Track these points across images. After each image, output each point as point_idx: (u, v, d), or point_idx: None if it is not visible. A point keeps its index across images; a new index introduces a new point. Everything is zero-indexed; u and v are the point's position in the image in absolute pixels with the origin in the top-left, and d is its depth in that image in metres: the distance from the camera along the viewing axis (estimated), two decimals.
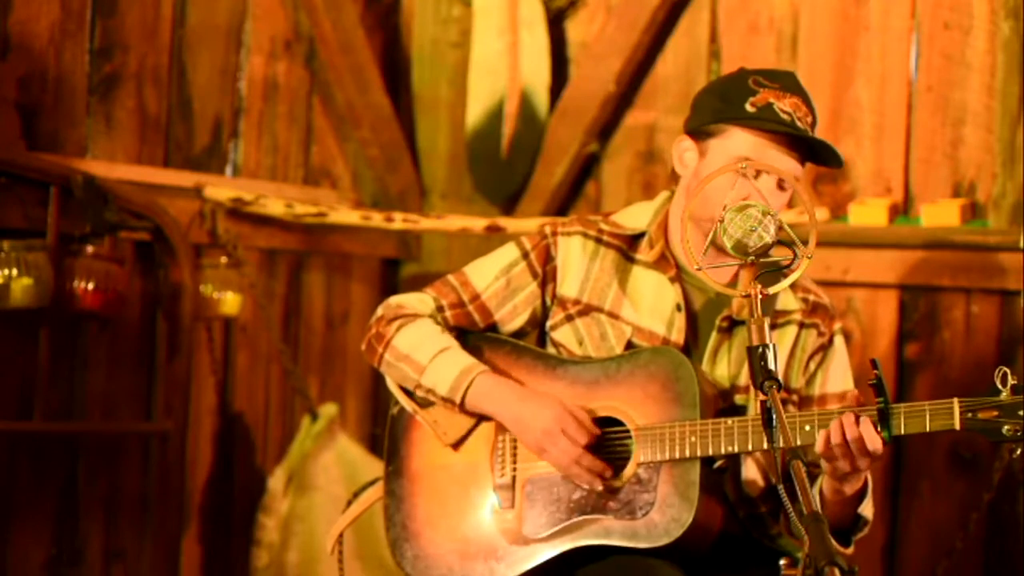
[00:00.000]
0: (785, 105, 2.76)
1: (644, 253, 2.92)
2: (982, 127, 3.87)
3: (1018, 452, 2.55)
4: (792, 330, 2.89)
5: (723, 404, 2.83)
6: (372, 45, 4.58)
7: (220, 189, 4.12)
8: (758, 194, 2.64)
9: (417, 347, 2.90)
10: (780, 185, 2.76)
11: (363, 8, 4.59)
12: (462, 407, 2.87)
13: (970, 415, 2.54)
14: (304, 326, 4.48)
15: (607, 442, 2.82)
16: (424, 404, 2.94)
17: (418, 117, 4.76)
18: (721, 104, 2.80)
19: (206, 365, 4.17)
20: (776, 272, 2.45)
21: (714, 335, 2.86)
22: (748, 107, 2.75)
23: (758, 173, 2.73)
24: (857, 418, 2.56)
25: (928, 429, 2.57)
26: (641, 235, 2.94)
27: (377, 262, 4.67)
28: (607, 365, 2.85)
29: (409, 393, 2.96)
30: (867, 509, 2.76)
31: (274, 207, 4.18)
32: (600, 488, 2.78)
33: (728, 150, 2.76)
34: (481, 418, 2.90)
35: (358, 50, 4.48)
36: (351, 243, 4.52)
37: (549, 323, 2.97)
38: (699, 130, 2.83)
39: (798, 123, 2.75)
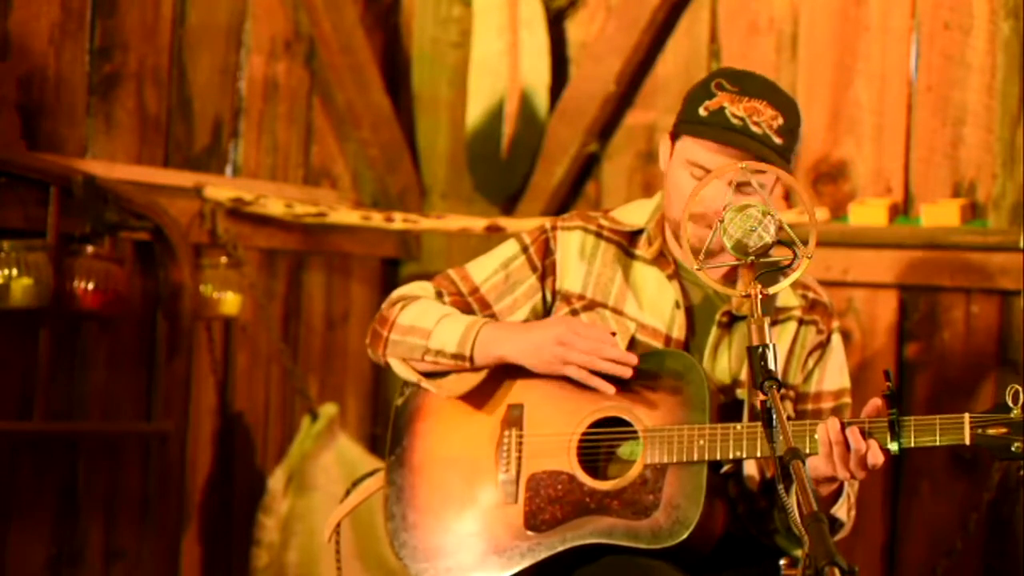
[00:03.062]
0: (738, 109, 2.78)
1: (643, 249, 2.95)
2: (982, 127, 3.87)
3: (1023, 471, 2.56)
4: (792, 326, 2.91)
5: (724, 399, 2.84)
6: (372, 45, 4.58)
7: (220, 189, 4.12)
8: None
9: (420, 317, 2.92)
10: (740, 188, 2.70)
11: (363, 8, 4.59)
12: (472, 361, 2.87)
13: (980, 431, 2.56)
14: (304, 326, 4.48)
15: (614, 442, 2.83)
16: (431, 376, 2.95)
17: (418, 117, 4.76)
18: (683, 107, 2.86)
19: (206, 365, 4.17)
20: (775, 271, 2.45)
21: (714, 330, 2.87)
22: (701, 111, 2.80)
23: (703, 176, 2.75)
24: (863, 432, 2.57)
25: (938, 443, 2.58)
26: (640, 232, 2.97)
27: (377, 262, 4.67)
28: None
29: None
30: (841, 511, 2.77)
31: (274, 207, 4.18)
32: (634, 365, 2.78)
33: (683, 152, 2.82)
34: (487, 379, 2.90)
35: (358, 50, 4.48)
36: (351, 243, 4.52)
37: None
38: (673, 130, 2.89)
39: (752, 127, 2.76)
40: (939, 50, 3.94)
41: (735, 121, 2.76)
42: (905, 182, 3.99)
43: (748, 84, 2.81)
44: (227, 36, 4.25)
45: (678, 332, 2.88)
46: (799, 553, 2.82)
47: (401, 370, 2.97)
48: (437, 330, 2.89)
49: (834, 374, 2.94)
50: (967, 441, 2.57)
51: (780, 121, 2.78)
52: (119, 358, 3.99)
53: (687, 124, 2.82)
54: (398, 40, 4.74)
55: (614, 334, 2.84)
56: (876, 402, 2.60)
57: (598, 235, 2.96)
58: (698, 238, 2.74)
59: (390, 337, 2.95)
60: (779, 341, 2.85)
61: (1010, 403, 2.55)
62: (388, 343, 2.96)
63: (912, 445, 2.59)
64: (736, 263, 2.49)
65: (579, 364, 2.80)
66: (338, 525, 3.07)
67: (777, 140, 2.77)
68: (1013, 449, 2.54)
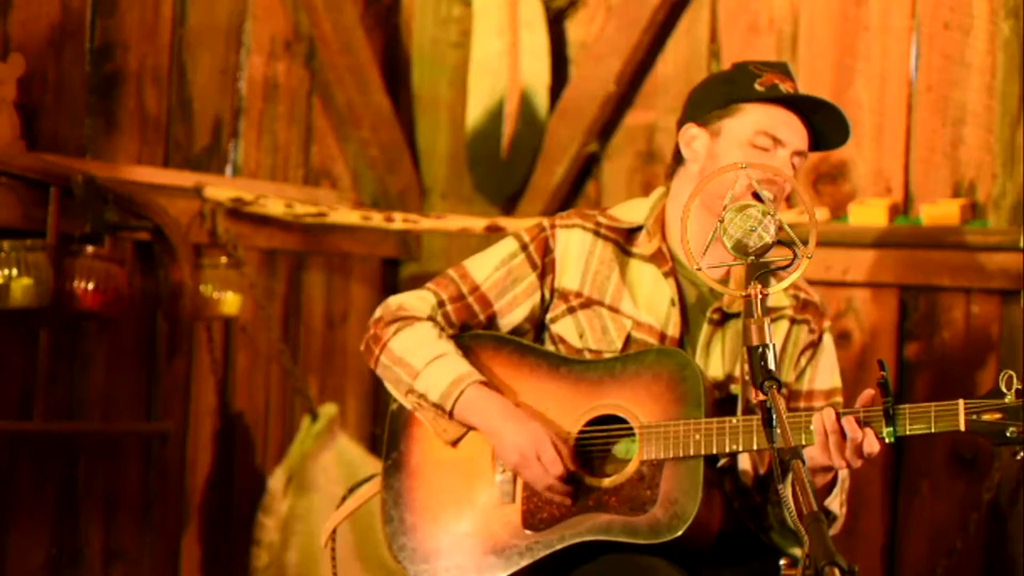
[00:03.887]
0: (789, 87, 2.87)
1: (641, 247, 2.95)
2: (982, 127, 3.87)
3: (1020, 456, 2.55)
4: (784, 325, 2.92)
5: (718, 395, 2.85)
6: (372, 45, 4.58)
7: (220, 189, 4.12)
8: (771, 167, 2.69)
9: (412, 351, 2.91)
10: (792, 160, 2.84)
11: (363, 8, 4.59)
12: (451, 416, 2.87)
13: (975, 417, 2.56)
14: (304, 326, 4.48)
15: (611, 439, 2.83)
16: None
17: (418, 117, 4.76)
18: (730, 88, 2.89)
19: (206, 365, 4.17)
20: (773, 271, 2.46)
21: (706, 327, 2.88)
22: (757, 86, 2.85)
23: (775, 146, 2.82)
24: (858, 420, 2.58)
25: (933, 430, 2.58)
26: (637, 229, 2.98)
27: (377, 262, 4.67)
28: (612, 365, 2.86)
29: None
30: (835, 503, 2.79)
31: (274, 207, 4.18)
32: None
33: (745, 125, 2.84)
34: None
35: (358, 50, 4.48)
36: (351, 243, 4.52)
37: (549, 315, 2.98)
38: (708, 116, 2.89)
39: None
40: (939, 50, 3.94)
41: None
42: (905, 182, 3.99)
43: (781, 68, 2.92)
44: (227, 36, 4.26)
45: (673, 329, 2.89)
46: (797, 551, 2.82)
47: (398, 395, 2.97)
48: (424, 373, 2.88)
49: (826, 374, 2.95)
50: (962, 427, 2.56)
51: None
52: (119, 358, 3.99)
53: (747, 99, 2.85)
54: (398, 40, 4.74)
55: (569, 477, 2.80)
56: (870, 392, 2.61)
57: (596, 233, 2.97)
58: None
59: (381, 359, 2.95)
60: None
61: (1003, 388, 2.56)
62: (379, 363, 2.96)
63: (907, 433, 2.59)
64: (736, 263, 2.49)
65: (528, 480, 2.82)
66: (334, 531, 3.07)
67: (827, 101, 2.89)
68: (1008, 434, 2.54)
